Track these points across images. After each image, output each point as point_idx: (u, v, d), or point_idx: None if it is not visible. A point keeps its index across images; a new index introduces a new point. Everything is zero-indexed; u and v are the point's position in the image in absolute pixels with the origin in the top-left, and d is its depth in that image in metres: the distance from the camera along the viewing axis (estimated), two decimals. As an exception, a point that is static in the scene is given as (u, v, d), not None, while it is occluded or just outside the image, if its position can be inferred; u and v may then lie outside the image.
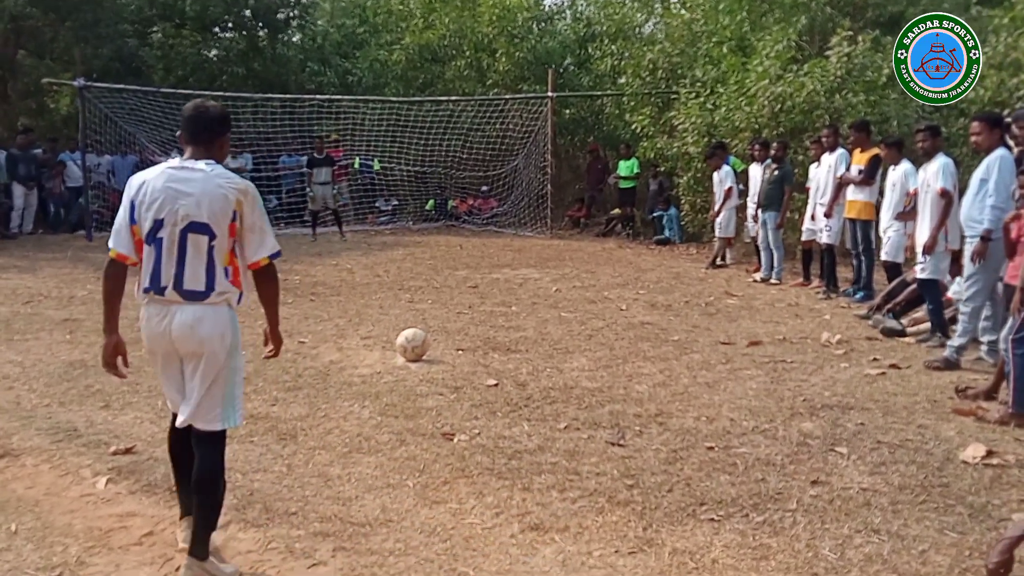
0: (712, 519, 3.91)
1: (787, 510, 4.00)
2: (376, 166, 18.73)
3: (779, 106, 12.41)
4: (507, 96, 18.67)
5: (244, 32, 21.48)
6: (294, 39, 22.81)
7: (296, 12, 22.45)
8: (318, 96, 18.64)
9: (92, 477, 4.51)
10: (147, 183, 3.38)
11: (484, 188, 19.26)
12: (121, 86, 16.71)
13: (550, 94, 17.26)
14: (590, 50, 18.90)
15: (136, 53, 19.59)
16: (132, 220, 3.38)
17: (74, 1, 16.98)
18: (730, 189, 12.21)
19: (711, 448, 4.83)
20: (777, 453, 4.75)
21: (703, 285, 10.87)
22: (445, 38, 19.96)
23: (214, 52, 21.79)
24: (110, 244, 3.44)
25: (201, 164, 3.39)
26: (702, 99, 13.97)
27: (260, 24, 21.52)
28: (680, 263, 13.18)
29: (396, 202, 19.52)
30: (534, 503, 4.11)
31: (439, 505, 4.13)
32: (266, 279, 3.53)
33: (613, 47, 17.66)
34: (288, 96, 18.68)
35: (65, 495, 4.34)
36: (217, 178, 3.35)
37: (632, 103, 16.50)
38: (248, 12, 21.14)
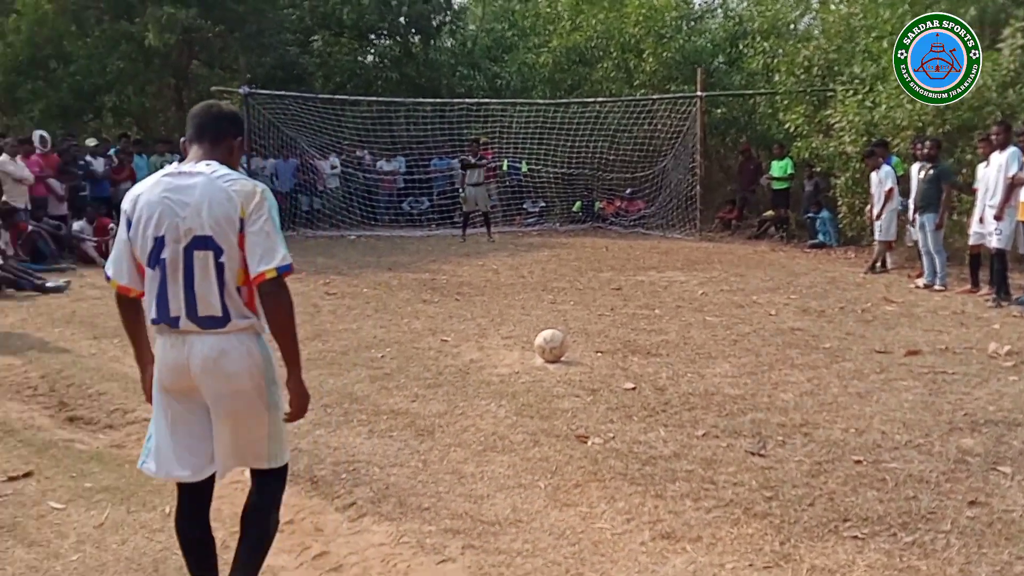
0: (856, 536, 3.70)
1: (940, 531, 3.74)
2: (524, 168, 18.90)
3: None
4: (655, 96, 18.43)
5: (398, 38, 22.13)
6: (446, 44, 23.32)
7: (448, 17, 22.92)
8: (467, 100, 18.97)
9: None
10: (141, 196, 2.84)
11: (629, 191, 19.08)
12: (283, 92, 17.54)
13: (699, 93, 16.93)
14: (741, 48, 18.39)
15: (297, 61, 20.50)
16: (128, 236, 2.85)
17: (241, 13, 17.92)
18: (891, 190, 11.59)
19: (859, 462, 4.58)
20: (931, 470, 4.45)
21: (860, 291, 10.36)
22: (592, 40, 19.88)
23: (370, 58, 22.56)
24: (109, 274, 2.93)
25: (201, 166, 2.83)
26: (860, 96, 13.33)
27: (413, 30, 22.13)
28: (837, 267, 12.63)
29: (543, 204, 19.62)
30: (666, 511, 4.02)
31: (569, 508, 4.09)
32: (272, 299, 2.78)
33: (766, 44, 17.09)
34: (439, 100, 19.09)
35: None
36: (219, 180, 2.78)
37: (786, 102, 15.91)
38: (403, 19, 21.77)
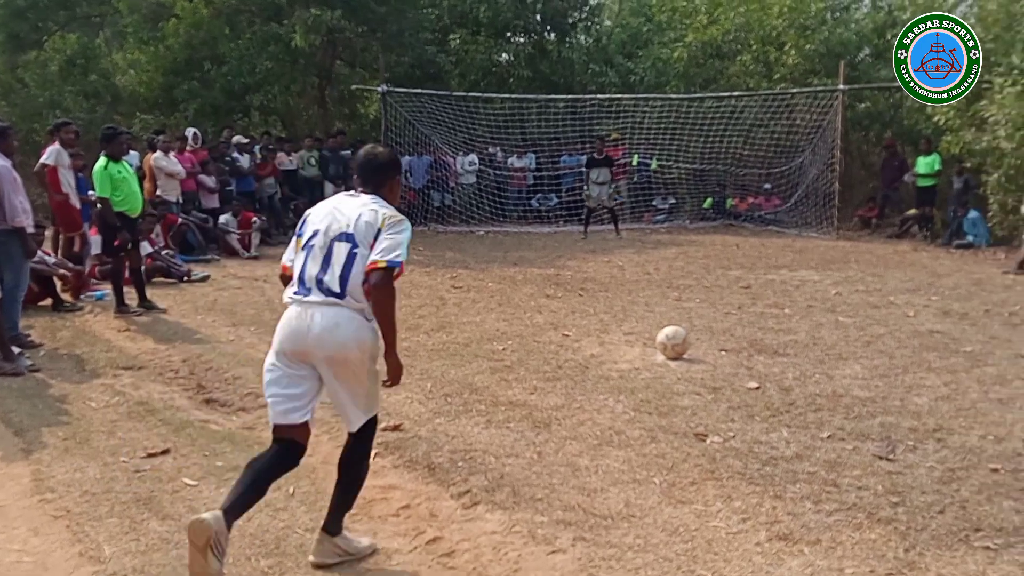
0: (988, 547, 3.51)
1: (1084, 548, 3.50)
2: (653, 164, 18.66)
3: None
4: (794, 91, 17.86)
5: (533, 36, 22.23)
6: (580, 41, 23.26)
7: (584, 14, 22.84)
8: (599, 96, 18.90)
9: (362, 449, 4.85)
10: (323, 206, 3.57)
11: (767, 186, 18.57)
12: (419, 91, 17.92)
13: (841, 87, 16.31)
14: (890, 38, 17.57)
15: (434, 60, 20.85)
16: (298, 234, 3.57)
17: (382, 13, 18.37)
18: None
19: (996, 470, 4.33)
20: (1079, 483, 4.16)
21: (1009, 293, 9.75)
22: (730, 33, 19.45)
23: (504, 56, 22.76)
24: (284, 261, 3.65)
25: (366, 197, 3.51)
26: (1020, 88, 12.53)
27: (549, 28, 22.18)
28: (984, 268, 11.91)
29: (673, 200, 19.32)
30: (785, 512, 3.91)
31: (684, 505, 4.04)
32: (378, 284, 3.32)
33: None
34: (571, 97, 19.07)
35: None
36: (373, 203, 3.46)
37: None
38: (538, 16, 21.84)
